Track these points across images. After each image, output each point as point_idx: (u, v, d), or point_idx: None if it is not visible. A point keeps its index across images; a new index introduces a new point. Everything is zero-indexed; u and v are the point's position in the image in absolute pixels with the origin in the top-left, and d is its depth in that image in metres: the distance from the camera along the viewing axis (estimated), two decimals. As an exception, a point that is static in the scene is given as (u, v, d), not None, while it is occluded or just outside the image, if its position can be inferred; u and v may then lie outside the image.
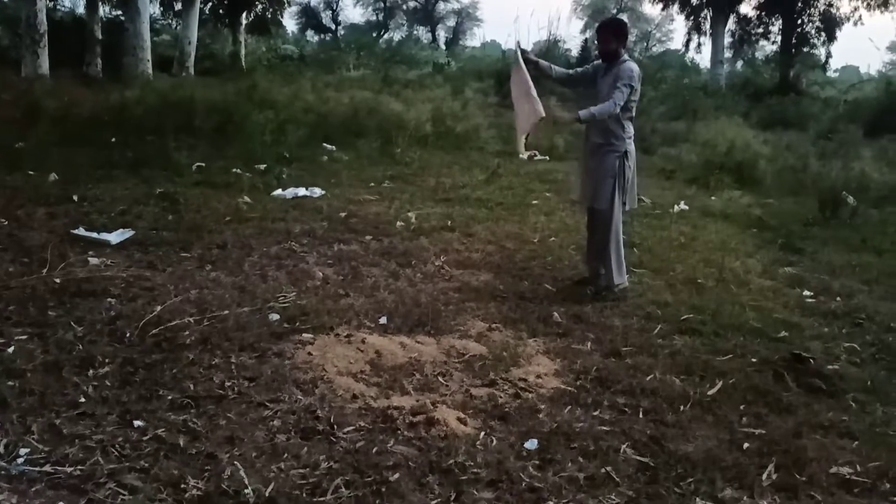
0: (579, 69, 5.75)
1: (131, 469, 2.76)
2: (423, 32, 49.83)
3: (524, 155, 5.65)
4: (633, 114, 5.19)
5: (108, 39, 17.04)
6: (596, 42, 5.38)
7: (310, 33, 45.25)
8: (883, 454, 3.25)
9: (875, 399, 3.85)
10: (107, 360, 3.58)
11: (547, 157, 11.92)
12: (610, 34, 5.16)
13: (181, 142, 9.16)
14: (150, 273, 4.94)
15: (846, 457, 3.22)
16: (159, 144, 9.03)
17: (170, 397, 3.30)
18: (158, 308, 4.26)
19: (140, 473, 2.74)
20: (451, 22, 50.63)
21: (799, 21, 25.85)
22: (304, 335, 4.09)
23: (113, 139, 9.42)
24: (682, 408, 3.59)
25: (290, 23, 43.00)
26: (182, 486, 2.68)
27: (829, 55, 26.95)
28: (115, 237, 5.54)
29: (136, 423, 3.07)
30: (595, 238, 5.30)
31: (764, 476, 3.03)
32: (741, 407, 3.65)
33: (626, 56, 5.14)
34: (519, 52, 5.29)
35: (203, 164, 8.53)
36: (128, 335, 3.89)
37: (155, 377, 3.47)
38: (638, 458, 3.12)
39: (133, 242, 5.57)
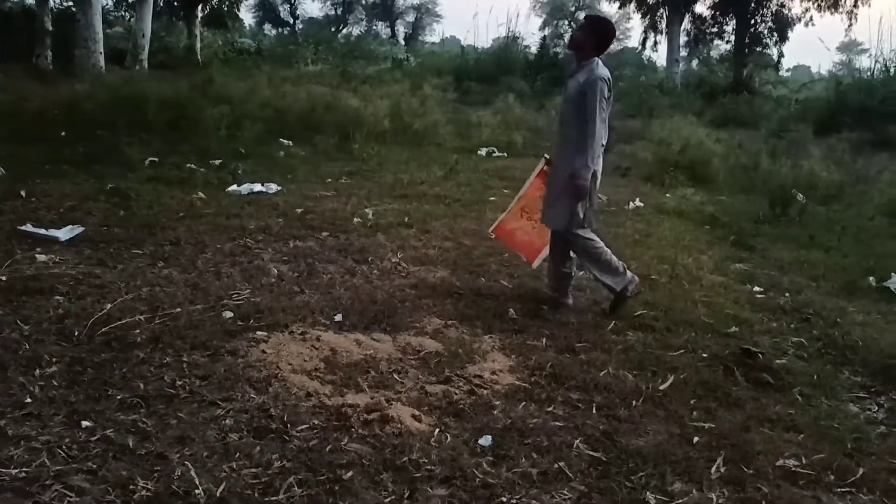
0: None
1: (79, 470, 2.71)
2: (382, 28, 49.62)
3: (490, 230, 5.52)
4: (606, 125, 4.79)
5: (59, 31, 16.60)
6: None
7: (267, 27, 44.77)
8: (827, 447, 3.34)
9: (820, 393, 3.95)
10: (54, 360, 3.51)
11: (505, 154, 11.97)
12: (587, 23, 4.89)
13: (133, 137, 9.02)
14: (101, 270, 4.85)
15: (792, 450, 3.29)
16: (111, 139, 8.88)
17: (119, 397, 3.24)
18: (108, 306, 4.18)
19: (88, 475, 2.69)
20: (411, 17, 50.51)
21: (752, 21, 26.33)
22: (258, 333, 4.05)
23: (63, 134, 9.22)
24: (634, 403, 3.64)
25: (247, 16, 42.44)
26: (131, 487, 2.64)
27: (781, 55, 27.51)
28: (64, 234, 5.42)
29: (84, 423, 3.01)
30: (584, 262, 4.99)
31: (713, 469, 3.09)
32: (692, 401, 3.71)
33: (596, 59, 4.68)
34: (543, 161, 5.17)
35: (156, 160, 8.39)
36: (76, 334, 3.81)
37: (104, 377, 3.41)
38: (590, 452, 3.16)
39: (83, 239, 5.45)
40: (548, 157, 5.22)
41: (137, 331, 3.91)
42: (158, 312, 4.19)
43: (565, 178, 4.69)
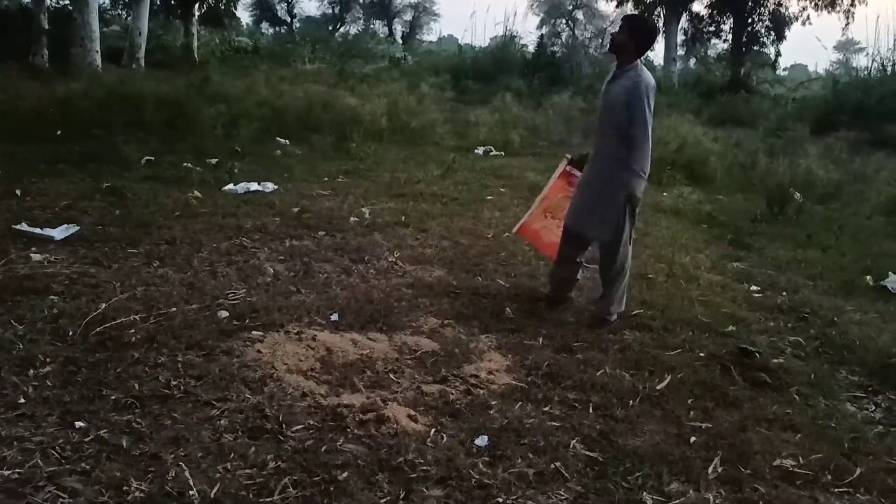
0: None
1: (72, 472, 2.69)
2: (379, 26, 49.53)
3: (514, 230, 5.47)
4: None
5: (56, 30, 16.54)
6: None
7: (264, 26, 44.68)
8: (824, 447, 3.33)
9: (818, 392, 3.95)
10: (48, 360, 3.49)
11: (502, 153, 11.95)
12: (627, 25, 4.59)
13: (130, 135, 8.95)
14: (95, 270, 4.82)
15: (789, 449, 3.29)
16: (107, 138, 8.82)
17: (113, 397, 3.22)
18: (103, 306, 4.16)
19: (81, 476, 2.67)
20: (408, 16, 50.38)
21: (749, 20, 26.34)
22: (254, 333, 4.03)
23: (59, 132, 9.17)
24: (631, 402, 3.63)
25: (244, 15, 42.34)
26: (125, 488, 2.62)
27: (778, 54, 27.52)
28: (59, 233, 5.39)
29: (78, 424, 2.99)
30: (601, 267, 4.79)
31: (710, 469, 3.08)
32: (689, 401, 3.70)
33: (638, 63, 4.54)
34: (565, 161, 5.12)
35: (152, 159, 8.36)
36: (70, 334, 3.79)
37: (98, 377, 3.39)
38: (587, 453, 3.15)
39: (78, 238, 5.42)
40: (569, 156, 5.17)
41: (132, 330, 3.89)
42: (153, 312, 4.17)
43: (609, 184, 4.55)
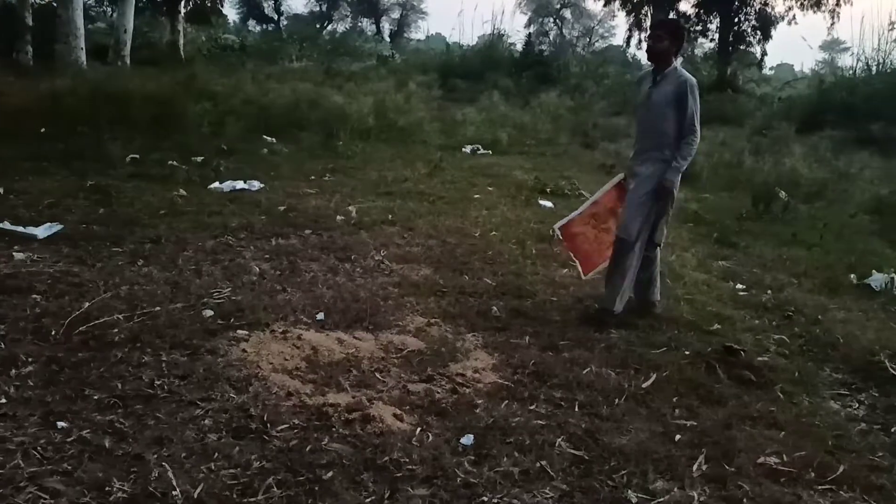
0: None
1: (54, 472, 2.67)
2: (367, 24, 49.47)
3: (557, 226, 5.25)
4: None
5: (40, 26, 16.38)
6: (647, 41, 4.88)
7: (252, 23, 44.50)
8: (808, 444, 3.34)
9: (802, 390, 3.97)
10: (30, 360, 3.45)
11: (490, 152, 11.96)
12: (665, 32, 4.67)
13: (115, 133, 8.90)
14: (79, 269, 4.78)
15: (773, 447, 3.30)
16: (92, 136, 8.77)
17: (96, 397, 3.20)
18: (86, 305, 4.13)
19: (63, 477, 2.65)
20: (396, 14, 50.35)
21: (736, 19, 26.44)
22: (239, 332, 4.01)
23: (43, 130, 9.11)
24: (616, 401, 3.63)
25: (230, 12, 42.21)
26: (107, 488, 2.60)
27: (764, 53, 27.63)
28: (42, 231, 5.35)
29: (60, 424, 2.96)
30: (610, 266, 4.82)
31: (694, 467, 3.08)
32: (674, 399, 3.71)
33: (678, 63, 4.65)
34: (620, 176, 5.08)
35: (137, 156, 8.32)
36: (53, 333, 3.76)
37: (81, 376, 3.36)
38: (573, 451, 3.15)
39: (62, 237, 5.38)
40: (623, 175, 5.04)
41: (116, 330, 3.86)
42: (137, 311, 4.14)
43: (653, 186, 4.62)
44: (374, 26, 49.19)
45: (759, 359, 4.32)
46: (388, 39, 44.07)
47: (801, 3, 25.54)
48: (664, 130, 4.58)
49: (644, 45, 25.81)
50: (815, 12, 25.47)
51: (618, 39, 42.50)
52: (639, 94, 4.83)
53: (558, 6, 47.97)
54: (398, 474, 2.85)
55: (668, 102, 4.54)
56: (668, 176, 4.58)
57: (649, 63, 4.85)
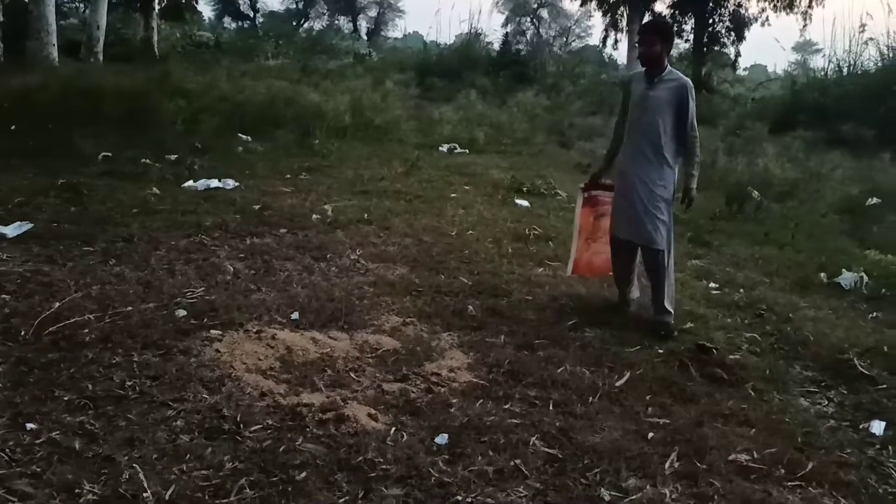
0: (619, 121, 4.98)
1: (22, 474, 2.63)
2: (344, 22, 49.21)
3: (569, 272, 5.34)
4: None
5: (11, 22, 16.12)
6: (638, 46, 4.85)
7: (227, 20, 44.13)
8: (778, 441, 3.39)
9: (773, 388, 4.02)
10: (-1, 360, 3.41)
11: (467, 151, 11.96)
12: (656, 36, 4.66)
13: (87, 130, 8.80)
14: (49, 268, 4.72)
15: (744, 444, 3.34)
16: (63, 133, 8.64)
17: (66, 398, 3.16)
18: (57, 305, 4.08)
19: (32, 479, 2.62)
20: (373, 12, 50.13)
21: (710, 20, 26.64)
22: (212, 332, 3.98)
23: (13, 127, 8.96)
24: (591, 399, 3.66)
25: (205, 9, 41.84)
26: (77, 490, 2.58)
27: (738, 54, 27.86)
28: (11, 230, 5.27)
29: (29, 425, 2.93)
30: (651, 279, 4.82)
31: (667, 465, 3.11)
32: (647, 397, 3.74)
33: (668, 64, 4.68)
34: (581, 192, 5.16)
35: (110, 154, 8.21)
36: (23, 333, 3.70)
37: (51, 377, 3.32)
38: (547, 450, 3.16)
39: (32, 236, 5.30)
40: (582, 186, 5.21)
41: (86, 330, 3.82)
42: (109, 311, 4.09)
43: (656, 187, 4.64)
44: (351, 24, 48.98)
45: (731, 357, 4.36)
46: (365, 37, 43.91)
47: (774, 5, 25.79)
48: (660, 132, 4.60)
49: (620, 46, 25.89)
50: (787, 14, 25.72)
51: (594, 39, 42.67)
52: (630, 95, 4.79)
53: (535, 6, 48.06)
54: (372, 474, 2.84)
55: (667, 105, 4.57)
56: (692, 186, 4.74)
57: (642, 66, 4.80)
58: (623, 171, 4.80)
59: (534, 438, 3.23)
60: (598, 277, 5.39)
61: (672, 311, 4.73)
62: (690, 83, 4.62)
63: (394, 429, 3.20)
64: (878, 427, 3.64)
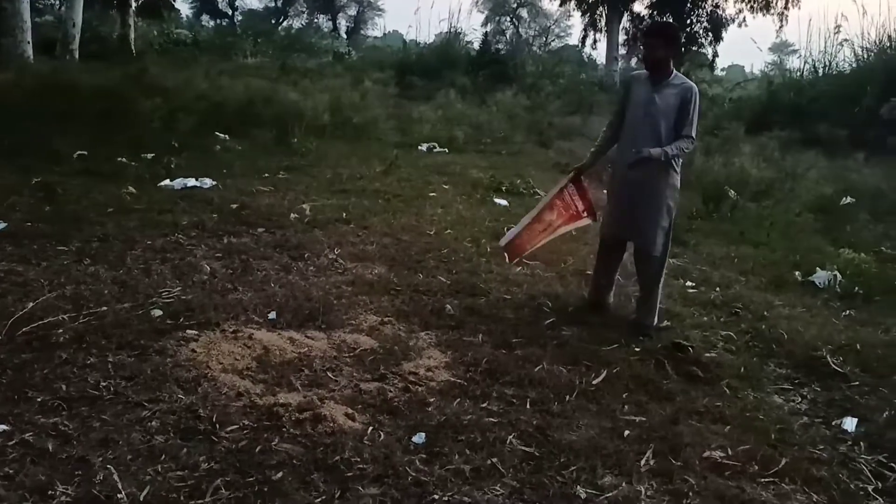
0: (613, 121, 4.86)
1: (-6, 477, 2.61)
2: (323, 21, 49.07)
3: (503, 243, 5.14)
4: None
5: (-16, 19, 15.95)
6: (641, 49, 4.73)
7: (205, 18, 43.85)
8: (752, 438, 3.42)
9: (747, 385, 4.06)
10: (-30, 362, 3.37)
11: (446, 150, 11.97)
12: (660, 41, 4.54)
13: (62, 129, 8.70)
14: (23, 268, 4.67)
15: (719, 441, 3.37)
16: (37, 131, 8.53)
17: (39, 399, 3.13)
18: (30, 305, 4.04)
19: (4, 481, 2.60)
20: (353, 11, 49.99)
21: (688, 21, 26.84)
22: (188, 332, 3.96)
23: (-14, 125, 8.84)
24: (567, 398, 3.67)
25: (183, 6, 41.52)
26: (50, 492, 2.56)
27: (715, 54, 28.11)
28: (-16, 230, 5.22)
29: (2, 427, 2.90)
30: (642, 281, 4.82)
31: (642, 462, 3.14)
32: (624, 395, 3.77)
33: (673, 68, 4.58)
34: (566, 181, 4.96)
35: (85, 153, 8.12)
36: (-5, 334, 3.67)
37: (24, 378, 3.28)
38: (523, 448, 3.17)
39: (5, 235, 5.24)
40: (570, 177, 4.98)
41: (60, 330, 3.78)
42: (83, 311, 4.06)
43: (659, 192, 4.58)
44: (330, 23, 48.82)
45: (707, 355, 4.40)
46: (344, 36, 43.81)
47: (751, 6, 26.03)
48: (662, 137, 4.50)
49: (599, 46, 25.92)
50: (764, 15, 25.97)
51: (573, 39, 42.83)
52: (630, 96, 4.67)
53: (515, 5, 48.18)
54: (349, 474, 2.84)
55: (672, 109, 4.46)
56: (651, 150, 4.43)
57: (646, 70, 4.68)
58: (622, 174, 4.71)
59: (511, 437, 3.24)
60: (513, 260, 5.28)
61: (655, 316, 4.74)
62: (696, 88, 4.50)
63: (371, 428, 3.20)
64: (850, 424, 3.69)
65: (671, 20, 26.39)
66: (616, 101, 5.03)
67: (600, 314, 4.92)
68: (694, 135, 4.53)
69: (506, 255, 5.18)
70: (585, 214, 4.99)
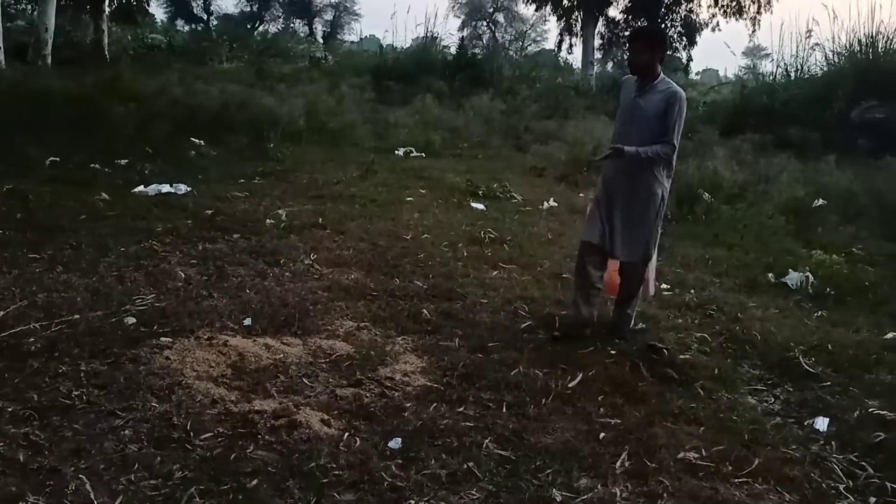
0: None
1: (-37, 489, 2.57)
2: (299, 26, 48.87)
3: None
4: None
5: (-46, 24, 15.75)
6: (627, 53, 4.55)
7: (180, 23, 43.51)
8: (726, 439, 3.45)
9: (721, 386, 4.09)
10: (-61, 372, 3.32)
11: (423, 154, 11.97)
12: (644, 44, 4.43)
13: (34, 135, 8.59)
14: (-7, 276, 4.61)
15: (693, 442, 3.40)
16: (8, 138, 8.43)
17: (10, 409, 3.10)
18: (1, 313, 3.99)
19: (-26, 493, 2.56)
20: (329, 16, 49.88)
21: (662, 25, 27.10)
22: (163, 339, 3.93)
23: (-45, 132, 8.72)
24: (543, 401, 3.69)
25: (158, 11, 41.20)
26: (20, 503, 2.52)
27: (690, 59, 28.46)
28: (-47, 238, 5.14)
29: (-29, 438, 2.86)
30: (621, 288, 4.73)
31: (617, 464, 3.15)
32: (599, 398, 3.78)
33: (662, 73, 4.46)
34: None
35: (57, 160, 8.05)
36: (-35, 343, 3.62)
37: (-6, 388, 3.24)
38: (500, 452, 3.18)
39: (-25, 243, 5.18)
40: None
41: (32, 339, 3.75)
42: (55, 319, 4.01)
43: (648, 201, 4.46)
44: (306, 27, 48.66)
45: (682, 357, 4.44)
46: (320, 41, 43.61)
47: (724, 11, 26.36)
48: (648, 141, 4.37)
49: (575, 50, 26.01)
50: (737, 20, 26.31)
51: (550, 44, 43.02)
52: (621, 100, 4.61)
53: (491, 10, 48.35)
54: (324, 480, 2.83)
55: (657, 114, 4.33)
56: (628, 147, 4.32)
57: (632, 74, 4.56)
58: (609, 181, 4.59)
59: (487, 441, 3.25)
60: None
61: (632, 321, 4.74)
62: (682, 93, 4.36)
63: (347, 434, 3.19)
64: (822, 423, 3.74)
65: (646, 24, 26.65)
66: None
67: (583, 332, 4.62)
68: (675, 141, 4.37)
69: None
70: None
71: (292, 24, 48.62)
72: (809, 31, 18.57)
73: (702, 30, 27.40)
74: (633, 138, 4.41)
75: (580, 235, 4.88)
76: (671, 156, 4.43)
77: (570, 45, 29.40)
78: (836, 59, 17.41)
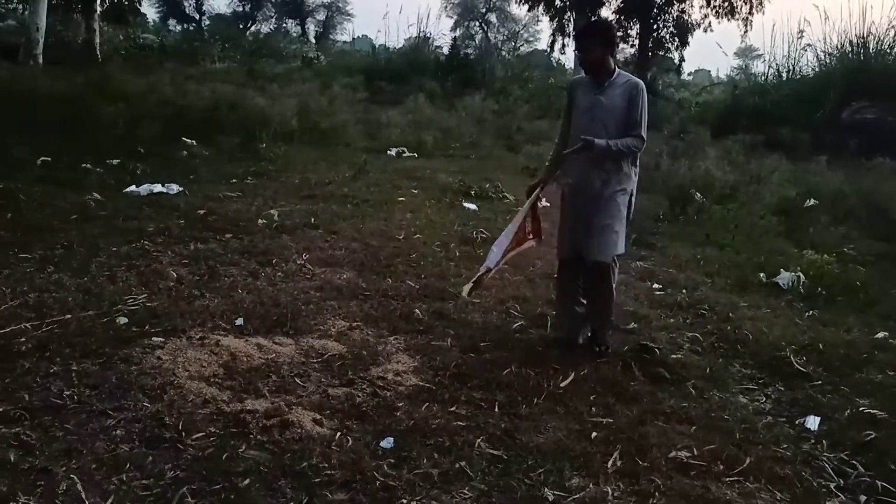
0: (563, 131, 4.51)
1: (-47, 489, 2.56)
2: (292, 25, 48.75)
3: (465, 292, 4.38)
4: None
5: (-57, 24, 15.70)
6: (577, 53, 4.35)
7: (172, 22, 43.36)
8: (717, 438, 3.47)
9: (713, 386, 4.11)
10: (-71, 372, 3.30)
11: (415, 154, 11.97)
12: (594, 40, 4.25)
13: (25, 136, 8.56)
14: (-16, 276, 4.59)
15: (684, 441, 3.41)
16: (-1, 138, 8.41)
17: (1, 409, 3.09)
18: (-9, 314, 3.97)
19: (-36, 493, 2.55)
20: (321, 16, 49.77)
21: (655, 26, 27.14)
22: (154, 339, 3.92)
23: (-55, 132, 8.68)
24: (535, 400, 3.70)
25: (149, 11, 41.05)
26: (11, 503, 2.51)
27: (682, 59, 28.45)
28: (-57, 238, 5.12)
29: (-39, 439, 2.85)
30: (594, 294, 4.43)
31: (609, 463, 3.16)
32: (591, 397, 3.79)
33: (616, 67, 4.30)
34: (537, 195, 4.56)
35: (48, 159, 8.01)
36: (-45, 344, 3.60)
37: (-16, 388, 3.23)
38: (492, 451, 3.19)
39: (-35, 243, 5.15)
40: (538, 190, 4.60)
41: (23, 339, 3.74)
42: (46, 319, 4.00)
43: (619, 207, 4.27)
44: (299, 27, 48.53)
45: (673, 356, 4.45)
46: (313, 41, 43.53)
47: (717, 12, 26.36)
48: (616, 134, 4.19)
49: (567, 50, 25.97)
50: (729, 20, 26.33)
51: (542, 44, 43.05)
52: (574, 102, 4.37)
53: (484, 10, 48.35)
54: (316, 480, 2.83)
55: (620, 109, 4.18)
56: (597, 141, 4.11)
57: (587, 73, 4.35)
58: (574, 185, 4.40)
59: (479, 440, 3.25)
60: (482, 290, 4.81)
61: (610, 328, 4.53)
62: (642, 84, 4.23)
63: (339, 434, 3.19)
64: (812, 422, 3.76)
65: (638, 25, 26.75)
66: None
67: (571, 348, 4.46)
68: (644, 134, 4.21)
69: (481, 282, 4.40)
70: (531, 236, 4.63)
71: (284, 24, 48.50)
72: (801, 31, 18.68)
73: (694, 30, 27.38)
74: (600, 137, 4.18)
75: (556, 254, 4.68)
76: (640, 149, 4.28)
77: (563, 46, 29.34)
78: (828, 60, 17.51)
